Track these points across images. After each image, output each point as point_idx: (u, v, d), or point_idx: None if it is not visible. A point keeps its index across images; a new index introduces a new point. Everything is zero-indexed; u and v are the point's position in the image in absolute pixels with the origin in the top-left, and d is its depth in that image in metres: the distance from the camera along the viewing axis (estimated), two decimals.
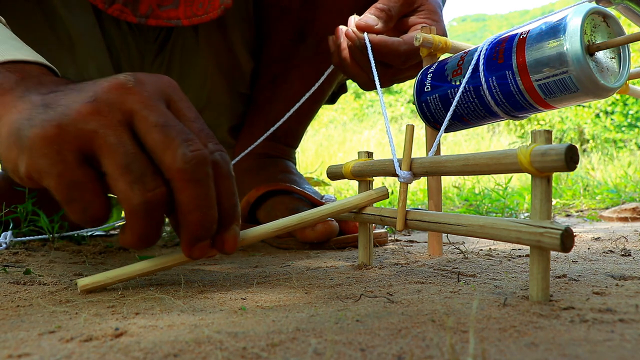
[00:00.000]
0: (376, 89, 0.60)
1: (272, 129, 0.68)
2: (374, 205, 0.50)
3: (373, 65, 0.55)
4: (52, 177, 0.34)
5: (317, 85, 0.65)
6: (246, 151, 0.69)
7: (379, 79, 0.55)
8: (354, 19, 0.59)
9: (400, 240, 0.75)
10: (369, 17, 0.58)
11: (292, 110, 0.66)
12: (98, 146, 0.34)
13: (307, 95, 0.66)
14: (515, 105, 0.44)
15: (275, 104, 0.78)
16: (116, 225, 0.93)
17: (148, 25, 0.67)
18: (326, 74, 0.65)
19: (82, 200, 0.34)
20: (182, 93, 0.39)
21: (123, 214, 1.06)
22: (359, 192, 0.50)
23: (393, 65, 0.59)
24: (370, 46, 0.56)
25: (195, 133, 0.37)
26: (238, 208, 0.39)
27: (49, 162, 0.34)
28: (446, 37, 0.57)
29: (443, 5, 0.70)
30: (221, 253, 0.39)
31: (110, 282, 0.40)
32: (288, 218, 0.45)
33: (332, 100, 0.91)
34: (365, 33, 0.57)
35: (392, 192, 1.43)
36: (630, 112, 5.15)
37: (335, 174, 0.54)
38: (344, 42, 0.60)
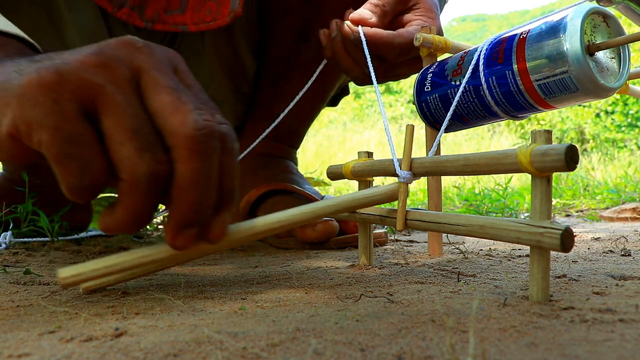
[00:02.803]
0: (370, 83, 0.60)
1: (270, 127, 0.68)
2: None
3: (368, 57, 0.55)
4: (46, 130, 0.29)
5: (313, 78, 0.65)
6: (246, 151, 0.69)
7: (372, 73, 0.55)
8: (348, 13, 0.59)
9: (400, 240, 0.75)
10: (364, 11, 0.58)
11: (289, 107, 0.66)
12: (102, 103, 0.30)
13: (304, 90, 0.66)
14: (515, 105, 0.44)
15: (277, 103, 0.79)
16: None
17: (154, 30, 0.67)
18: (320, 68, 0.66)
19: (80, 159, 0.29)
20: (187, 67, 0.35)
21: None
22: None
23: (387, 59, 0.59)
24: (365, 39, 0.56)
25: (207, 102, 0.33)
26: (235, 193, 0.34)
27: (43, 111, 0.29)
28: (443, 35, 0.57)
29: (442, 5, 0.70)
30: (205, 241, 0.35)
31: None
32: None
33: (334, 102, 0.91)
34: (360, 26, 0.57)
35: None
36: (631, 112, 5.15)
37: (335, 174, 0.54)
38: (338, 36, 0.60)
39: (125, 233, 0.32)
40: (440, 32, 0.59)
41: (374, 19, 0.58)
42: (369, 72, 0.54)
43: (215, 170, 0.31)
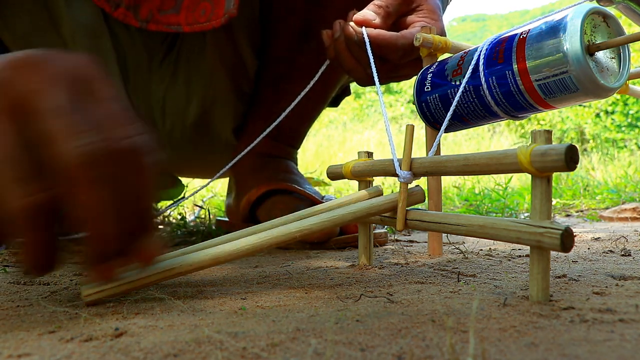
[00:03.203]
0: (372, 84, 0.60)
1: (271, 127, 0.68)
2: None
3: (371, 58, 0.55)
4: None
5: (314, 80, 0.66)
6: (247, 150, 0.69)
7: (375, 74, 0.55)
8: (352, 15, 0.59)
9: (400, 240, 0.75)
10: (367, 12, 0.58)
11: (291, 106, 0.66)
12: None
13: (305, 91, 0.66)
14: (515, 105, 0.44)
15: (278, 103, 0.79)
16: None
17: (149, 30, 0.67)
18: (322, 68, 0.66)
19: None
20: (103, 73, 0.32)
21: None
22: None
23: (390, 60, 0.59)
24: (368, 40, 0.56)
25: (111, 116, 0.30)
26: (153, 212, 0.32)
27: None
28: (445, 37, 0.57)
29: (445, 7, 0.70)
30: (138, 262, 0.33)
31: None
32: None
33: (335, 102, 0.91)
34: (363, 27, 0.57)
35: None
36: (631, 112, 5.15)
37: (335, 174, 0.54)
38: (341, 37, 0.60)
39: (39, 274, 0.31)
40: (442, 33, 0.59)
41: (377, 20, 0.58)
42: (372, 73, 0.54)
43: (119, 195, 0.29)
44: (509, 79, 0.43)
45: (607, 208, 1.30)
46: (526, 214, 1.18)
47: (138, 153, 0.30)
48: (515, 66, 0.42)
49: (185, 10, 0.62)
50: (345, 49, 0.61)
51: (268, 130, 0.68)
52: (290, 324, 0.29)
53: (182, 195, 0.93)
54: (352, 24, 0.58)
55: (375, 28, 0.58)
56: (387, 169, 0.46)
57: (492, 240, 0.69)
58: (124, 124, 0.30)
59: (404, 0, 0.60)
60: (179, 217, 0.97)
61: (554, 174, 0.65)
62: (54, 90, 0.29)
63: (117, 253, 0.30)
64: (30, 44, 0.72)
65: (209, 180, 0.72)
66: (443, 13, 0.66)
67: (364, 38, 0.57)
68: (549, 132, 0.32)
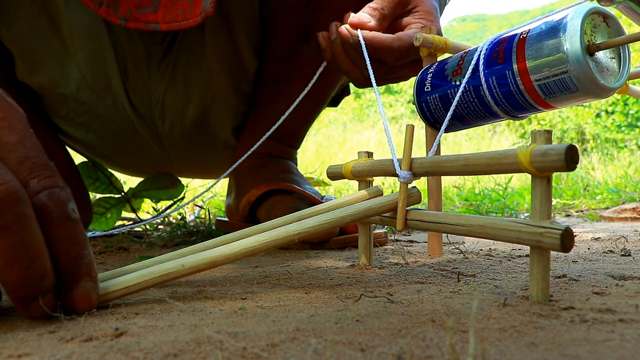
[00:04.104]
0: (370, 86, 0.60)
1: (272, 129, 0.68)
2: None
3: (368, 61, 0.55)
4: None
5: (313, 81, 0.66)
6: (249, 152, 0.69)
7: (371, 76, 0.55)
8: (347, 17, 0.59)
9: (400, 240, 0.75)
10: (363, 14, 0.59)
11: (290, 109, 0.66)
12: None
13: (305, 92, 0.66)
14: (515, 105, 0.44)
15: (277, 103, 0.79)
16: (115, 226, 0.93)
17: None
18: (320, 70, 0.66)
19: None
20: (7, 110, 0.31)
21: (123, 214, 1.04)
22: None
23: (386, 63, 0.59)
24: (364, 43, 0.56)
25: (13, 164, 0.30)
26: (87, 260, 0.32)
27: None
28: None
29: (442, 8, 0.70)
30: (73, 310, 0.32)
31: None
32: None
33: (335, 102, 0.91)
34: (359, 30, 0.58)
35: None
36: (631, 112, 5.15)
37: (335, 174, 0.54)
38: (337, 39, 0.60)
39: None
40: (439, 35, 0.59)
41: (372, 22, 0.58)
42: (369, 74, 0.55)
43: (31, 240, 0.29)
44: (509, 79, 0.43)
45: (607, 208, 1.30)
46: (526, 214, 1.18)
47: (58, 203, 0.30)
48: (515, 66, 0.42)
49: (162, 9, 0.62)
50: (342, 51, 0.61)
51: (268, 133, 0.68)
52: (290, 324, 0.29)
53: (182, 195, 0.93)
54: (347, 26, 0.59)
55: (370, 30, 0.58)
56: (387, 169, 0.46)
57: (492, 240, 0.69)
58: (38, 171, 0.30)
59: (400, 2, 0.60)
60: (179, 217, 0.97)
61: (554, 174, 0.65)
62: None
63: (34, 296, 0.30)
64: (28, 44, 0.72)
65: (212, 183, 0.72)
66: (441, 14, 0.66)
67: (359, 40, 0.57)
68: (549, 132, 0.32)
